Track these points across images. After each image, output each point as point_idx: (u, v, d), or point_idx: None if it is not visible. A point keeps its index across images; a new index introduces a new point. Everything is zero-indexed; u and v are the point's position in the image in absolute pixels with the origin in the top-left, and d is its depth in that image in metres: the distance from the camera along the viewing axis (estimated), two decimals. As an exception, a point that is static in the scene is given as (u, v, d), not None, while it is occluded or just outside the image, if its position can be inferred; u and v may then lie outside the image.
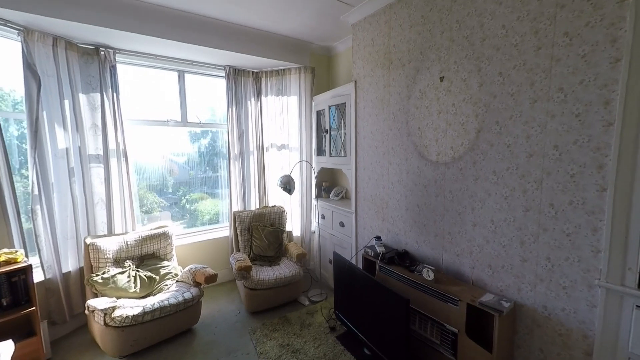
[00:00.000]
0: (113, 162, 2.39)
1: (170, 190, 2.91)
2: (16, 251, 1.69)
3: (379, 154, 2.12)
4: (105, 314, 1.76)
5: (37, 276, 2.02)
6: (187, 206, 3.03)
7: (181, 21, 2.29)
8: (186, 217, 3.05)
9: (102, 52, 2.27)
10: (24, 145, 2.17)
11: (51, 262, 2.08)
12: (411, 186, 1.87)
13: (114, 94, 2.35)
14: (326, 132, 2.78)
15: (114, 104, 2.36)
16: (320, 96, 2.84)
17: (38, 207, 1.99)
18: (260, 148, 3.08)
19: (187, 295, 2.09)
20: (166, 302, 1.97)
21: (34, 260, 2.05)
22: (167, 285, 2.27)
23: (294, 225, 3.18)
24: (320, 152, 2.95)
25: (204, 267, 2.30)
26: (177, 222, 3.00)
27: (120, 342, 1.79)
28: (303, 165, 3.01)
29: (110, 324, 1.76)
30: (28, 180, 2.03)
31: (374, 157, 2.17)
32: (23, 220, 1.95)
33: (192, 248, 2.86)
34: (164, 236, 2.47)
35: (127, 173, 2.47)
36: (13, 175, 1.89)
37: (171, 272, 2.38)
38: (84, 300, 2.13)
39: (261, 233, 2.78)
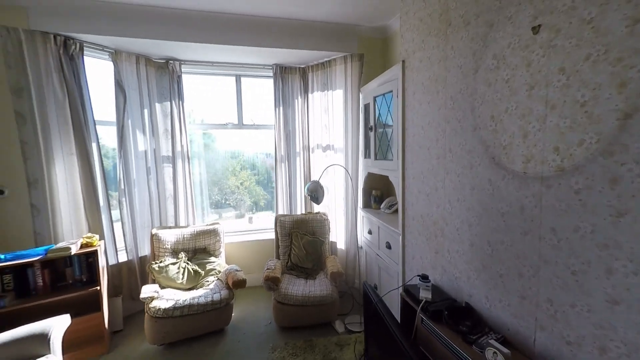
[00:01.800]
0: (179, 162, 2.60)
1: (273, 185, 3.08)
2: (92, 236, 2.00)
3: (431, 158, 1.47)
4: (145, 303, 1.90)
5: (122, 257, 2.38)
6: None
7: (223, 24, 2.26)
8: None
9: (171, 65, 2.50)
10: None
11: (132, 246, 2.42)
12: (478, 210, 1.17)
13: (180, 102, 2.56)
14: (371, 129, 2.25)
15: (180, 111, 2.57)
16: (367, 86, 2.33)
17: (124, 199, 2.32)
18: (307, 149, 2.82)
19: (216, 297, 2.05)
20: (195, 301, 1.97)
21: (120, 244, 2.45)
22: (208, 281, 2.32)
23: (338, 237, 2.79)
24: (367, 153, 2.45)
25: (237, 270, 2.22)
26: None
27: (154, 330, 1.87)
28: (349, 168, 2.57)
29: (148, 312, 1.88)
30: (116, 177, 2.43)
31: (424, 162, 1.53)
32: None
33: (242, 247, 2.88)
34: (214, 233, 2.55)
35: (189, 173, 2.67)
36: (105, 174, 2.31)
37: (215, 269, 2.42)
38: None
39: (300, 241, 2.53)
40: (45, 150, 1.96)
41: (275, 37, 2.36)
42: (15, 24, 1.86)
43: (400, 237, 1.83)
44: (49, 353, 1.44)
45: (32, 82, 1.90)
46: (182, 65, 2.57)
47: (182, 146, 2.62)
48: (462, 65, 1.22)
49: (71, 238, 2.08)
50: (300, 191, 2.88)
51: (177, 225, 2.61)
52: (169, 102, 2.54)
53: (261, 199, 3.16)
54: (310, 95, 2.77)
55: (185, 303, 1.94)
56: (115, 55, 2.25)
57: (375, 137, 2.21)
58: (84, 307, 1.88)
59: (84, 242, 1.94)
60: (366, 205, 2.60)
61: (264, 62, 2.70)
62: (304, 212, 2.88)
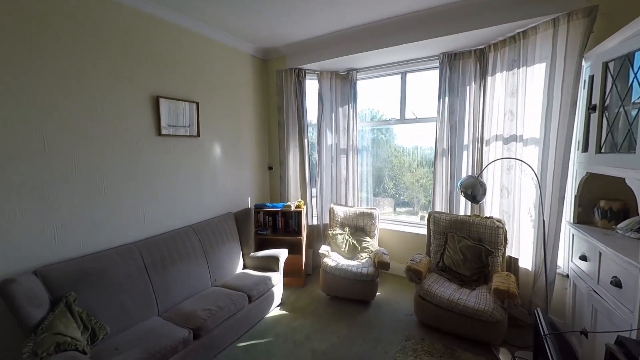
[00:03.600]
0: (350, 154, 3.16)
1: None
2: (301, 201, 2.99)
3: None
4: (320, 257, 2.62)
5: (315, 222, 3.34)
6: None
7: (389, 28, 2.39)
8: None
9: (350, 75, 3.03)
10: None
11: (320, 214, 3.31)
12: None
13: (354, 104, 3.06)
14: (593, 109, 1.43)
15: (354, 112, 3.08)
16: (598, 48, 1.50)
17: (318, 179, 3.24)
18: (478, 141, 2.34)
19: (364, 270, 2.37)
20: (349, 268, 2.40)
21: (314, 212, 3.49)
22: (362, 256, 2.72)
23: (521, 253, 2.10)
24: (585, 146, 1.59)
25: (384, 253, 2.41)
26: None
27: (323, 280, 2.51)
28: (550, 165, 1.82)
29: (322, 265, 2.55)
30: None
31: None
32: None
33: (394, 235, 3.02)
34: (371, 216, 2.91)
35: (358, 163, 3.17)
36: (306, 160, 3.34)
37: (369, 248, 2.78)
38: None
39: (456, 244, 2.23)
40: (287, 144, 3.16)
41: (443, 25, 2.15)
42: (281, 67, 3.12)
43: None
44: (278, 271, 2.44)
45: (284, 102, 3.10)
46: (358, 73, 3.05)
47: (353, 141, 3.15)
48: None
49: (293, 198, 3.25)
50: (467, 189, 2.46)
51: (346, 204, 3.24)
52: (347, 106, 3.14)
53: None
54: (489, 78, 2.24)
55: (342, 267, 2.43)
56: (320, 75, 3.12)
57: (601, 121, 1.41)
58: (293, 248, 2.89)
59: (297, 204, 3.00)
60: (582, 220, 1.74)
61: (430, 54, 2.55)
62: (468, 213, 2.45)
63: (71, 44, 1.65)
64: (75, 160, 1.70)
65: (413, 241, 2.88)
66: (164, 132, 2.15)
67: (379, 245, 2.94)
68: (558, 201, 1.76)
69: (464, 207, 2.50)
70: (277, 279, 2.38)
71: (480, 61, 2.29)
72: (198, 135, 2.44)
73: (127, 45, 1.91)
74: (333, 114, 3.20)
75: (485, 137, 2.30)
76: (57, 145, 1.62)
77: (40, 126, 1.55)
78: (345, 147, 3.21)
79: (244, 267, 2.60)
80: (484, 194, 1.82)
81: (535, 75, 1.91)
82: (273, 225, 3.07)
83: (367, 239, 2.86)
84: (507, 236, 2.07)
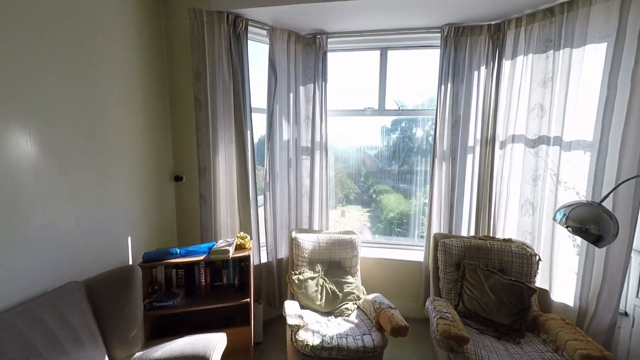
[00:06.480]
0: (317, 154, 2.19)
1: (362, 179, 2.77)
2: (245, 237, 1.81)
3: None
4: (291, 330, 1.54)
5: (263, 258, 2.13)
6: (374, 196, 2.75)
7: None
8: (372, 206, 2.72)
9: (318, 40, 2.07)
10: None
11: (272, 247, 2.14)
12: None
13: (323, 83, 2.12)
14: None
15: (322, 94, 2.13)
16: None
17: (268, 193, 2.07)
18: (489, 142, 1.86)
19: (368, 340, 1.49)
20: (344, 343, 1.46)
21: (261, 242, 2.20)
22: (347, 308, 1.82)
23: (554, 283, 1.71)
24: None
25: (391, 308, 1.59)
26: (365, 209, 2.79)
27: None
28: (605, 177, 1.43)
29: (294, 343, 1.50)
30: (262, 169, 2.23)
31: None
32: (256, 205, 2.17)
33: (377, 264, 2.28)
34: (351, 245, 2.06)
35: (327, 167, 2.24)
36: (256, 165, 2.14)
37: (354, 292, 1.91)
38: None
39: (482, 281, 1.64)
40: (212, 137, 1.85)
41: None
42: (199, 6, 1.79)
43: None
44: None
45: (208, 66, 1.79)
46: (329, 39, 2.12)
47: (321, 135, 2.20)
48: None
49: (226, 232, 1.97)
50: (468, 202, 1.96)
51: (310, 229, 2.26)
52: (312, 85, 2.16)
53: (351, 192, 2.75)
54: (506, 62, 1.78)
55: (334, 343, 1.47)
56: (272, 32, 1.99)
57: None
58: (233, 319, 1.72)
59: (238, 242, 1.77)
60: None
61: (430, 24, 1.92)
62: (474, 233, 1.96)
63: None
64: None
65: (399, 271, 2.23)
66: None
67: (362, 284, 2.09)
68: (629, 226, 1.38)
69: (466, 226, 1.99)
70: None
71: (493, 40, 1.80)
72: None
73: None
74: (291, 95, 2.15)
75: (500, 138, 1.83)
76: None
77: None
78: (310, 145, 2.22)
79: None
80: (616, 234, 1.07)
81: (586, 59, 1.50)
82: (187, 284, 1.72)
83: (349, 278, 1.99)
84: (540, 265, 1.64)
